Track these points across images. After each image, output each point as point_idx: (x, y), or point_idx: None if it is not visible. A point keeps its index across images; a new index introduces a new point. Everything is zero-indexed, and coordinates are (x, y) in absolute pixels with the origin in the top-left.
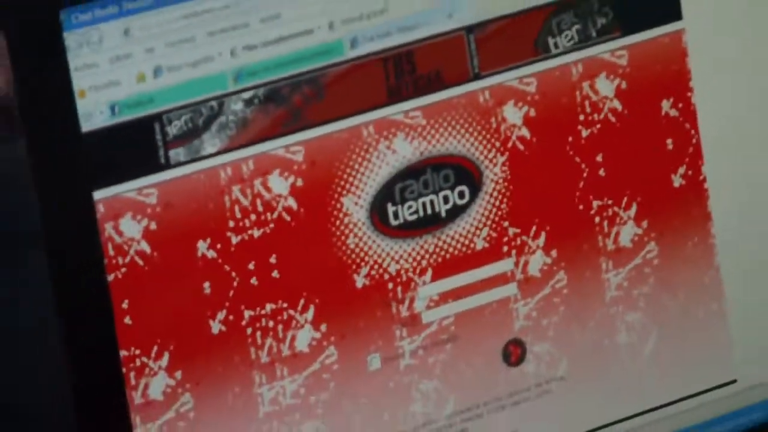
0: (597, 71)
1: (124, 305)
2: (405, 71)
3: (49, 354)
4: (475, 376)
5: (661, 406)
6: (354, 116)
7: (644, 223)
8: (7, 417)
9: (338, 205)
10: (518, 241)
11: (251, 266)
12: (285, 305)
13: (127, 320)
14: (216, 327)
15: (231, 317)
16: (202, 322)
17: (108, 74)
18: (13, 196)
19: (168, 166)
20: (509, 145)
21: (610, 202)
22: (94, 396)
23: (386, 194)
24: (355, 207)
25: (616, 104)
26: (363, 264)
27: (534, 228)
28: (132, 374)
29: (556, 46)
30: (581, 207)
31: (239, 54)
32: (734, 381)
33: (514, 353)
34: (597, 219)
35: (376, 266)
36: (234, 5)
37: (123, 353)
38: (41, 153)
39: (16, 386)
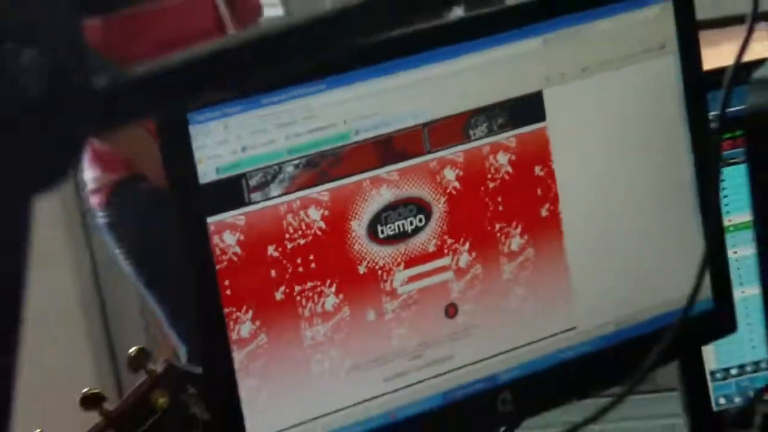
0: (497, 150)
1: (226, 283)
2: (387, 148)
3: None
4: (428, 324)
5: (532, 342)
6: (358, 174)
7: (525, 237)
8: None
9: (349, 226)
10: (453, 247)
11: (299, 261)
12: (318, 283)
13: (228, 292)
14: (279, 295)
15: (287, 290)
16: (271, 292)
17: (214, 150)
18: None
19: (250, 203)
20: (447, 191)
21: (505, 224)
22: (211, 335)
23: (376, 219)
24: (358, 227)
25: (509, 168)
26: (363, 260)
27: (462, 239)
28: (231, 323)
29: (474, 134)
30: (489, 228)
31: (291, 138)
32: (575, 327)
33: (451, 311)
34: (498, 234)
35: (371, 261)
36: (287, 111)
37: (226, 310)
38: (178, 197)
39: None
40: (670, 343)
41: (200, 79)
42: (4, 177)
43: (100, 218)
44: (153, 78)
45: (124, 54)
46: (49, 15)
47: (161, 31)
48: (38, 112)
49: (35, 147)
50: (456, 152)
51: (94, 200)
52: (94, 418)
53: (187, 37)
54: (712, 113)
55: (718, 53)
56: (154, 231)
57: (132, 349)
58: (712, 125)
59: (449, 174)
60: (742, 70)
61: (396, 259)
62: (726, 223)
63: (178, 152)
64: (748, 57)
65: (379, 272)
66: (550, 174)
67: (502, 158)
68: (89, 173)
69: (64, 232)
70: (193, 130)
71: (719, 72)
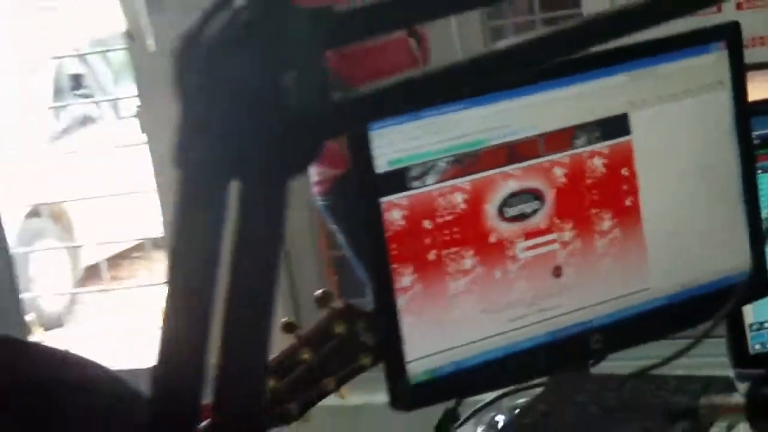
0: (593, 155)
1: (393, 246)
2: (512, 152)
3: None
4: (540, 280)
5: (617, 297)
6: (491, 170)
7: (614, 220)
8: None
9: (483, 208)
10: (560, 226)
11: (446, 232)
12: (460, 249)
13: (394, 253)
14: (431, 256)
15: (437, 252)
16: (425, 254)
17: (385, 149)
18: None
19: (411, 188)
20: (556, 185)
21: (599, 210)
22: (382, 284)
23: (504, 203)
24: (490, 209)
25: (602, 169)
26: (493, 233)
27: (567, 220)
28: (396, 276)
29: (577, 144)
30: (586, 213)
31: (442, 142)
32: (649, 287)
33: (557, 272)
34: (593, 218)
35: (499, 234)
36: (439, 122)
37: (393, 267)
38: (360, 183)
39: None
40: (720, 302)
41: (391, 99)
42: (272, 166)
43: (321, 201)
44: (365, 97)
45: (347, 77)
46: (307, 48)
47: (373, 62)
48: (294, 120)
49: (292, 144)
50: (563, 156)
51: (317, 189)
52: (289, 339)
53: (391, 68)
54: (755, 133)
55: (757, 88)
56: (361, 215)
57: (319, 291)
58: (756, 142)
59: (558, 172)
60: None
61: (517, 233)
62: (765, 214)
63: (361, 150)
64: None
65: (505, 242)
66: (633, 174)
67: (597, 162)
68: (314, 168)
69: None
70: (372, 135)
71: (761, 103)
